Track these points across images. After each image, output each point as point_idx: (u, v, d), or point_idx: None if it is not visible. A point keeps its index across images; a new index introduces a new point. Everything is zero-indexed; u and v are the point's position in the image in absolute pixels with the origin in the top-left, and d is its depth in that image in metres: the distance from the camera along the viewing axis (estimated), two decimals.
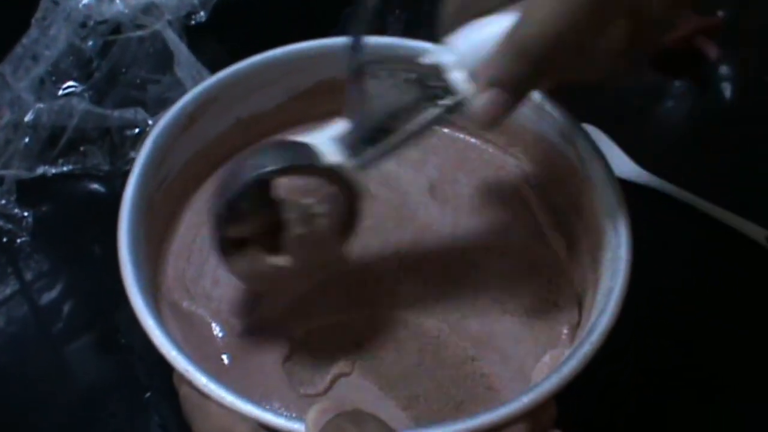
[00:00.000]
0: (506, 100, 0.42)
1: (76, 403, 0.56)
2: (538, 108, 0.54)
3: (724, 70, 0.80)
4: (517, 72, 0.41)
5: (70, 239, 0.66)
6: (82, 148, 0.70)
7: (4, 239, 0.65)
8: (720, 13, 0.84)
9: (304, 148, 0.43)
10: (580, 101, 0.68)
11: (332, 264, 0.50)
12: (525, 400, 0.40)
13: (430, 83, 0.43)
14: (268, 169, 0.42)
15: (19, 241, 0.65)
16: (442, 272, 0.52)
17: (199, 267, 0.52)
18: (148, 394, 0.55)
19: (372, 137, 0.44)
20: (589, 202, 0.51)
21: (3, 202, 0.67)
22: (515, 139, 0.57)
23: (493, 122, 0.42)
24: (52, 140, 0.69)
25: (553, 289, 0.52)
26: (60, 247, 0.66)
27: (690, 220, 0.67)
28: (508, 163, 0.58)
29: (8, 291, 0.63)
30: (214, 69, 0.69)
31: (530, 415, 0.40)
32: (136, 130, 0.70)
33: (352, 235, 0.47)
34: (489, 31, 0.42)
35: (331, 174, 0.43)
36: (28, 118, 0.69)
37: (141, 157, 0.50)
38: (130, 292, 0.44)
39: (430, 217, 0.55)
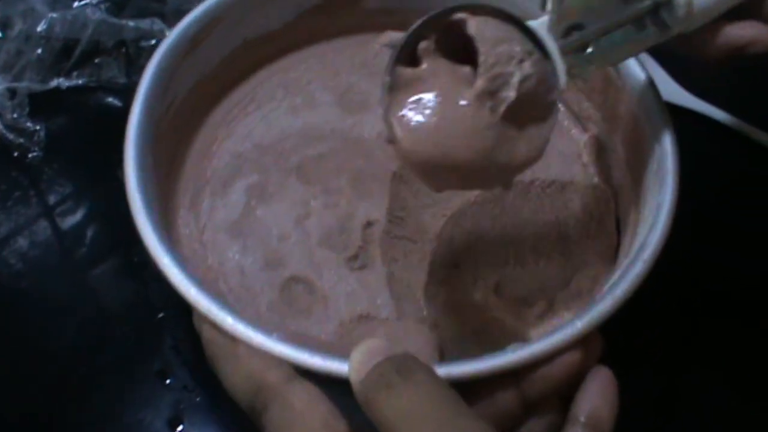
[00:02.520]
0: None
1: (92, 326, 0.55)
2: None
3: None
4: None
5: (88, 157, 0.64)
6: (97, 60, 0.67)
7: (15, 153, 0.63)
8: None
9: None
10: None
11: (499, 176, 0.40)
12: (579, 325, 0.37)
13: None
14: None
15: (30, 155, 0.63)
16: None
17: (212, 200, 0.49)
18: (161, 315, 0.54)
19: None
20: (628, 112, 0.48)
21: (15, 115, 0.64)
22: None
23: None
24: (66, 52, 0.66)
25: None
26: (81, 167, 0.64)
27: (737, 145, 0.63)
28: None
29: (31, 213, 0.61)
30: None
31: (583, 343, 0.37)
32: (153, 41, 0.67)
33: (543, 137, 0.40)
34: None
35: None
36: (40, 28, 0.65)
37: (143, 83, 0.46)
38: (142, 231, 0.41)
39: None
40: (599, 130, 0.51)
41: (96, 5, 0.68)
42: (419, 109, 0.37)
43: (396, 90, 0.38)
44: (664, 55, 0.66)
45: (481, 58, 0.37)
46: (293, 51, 0.56)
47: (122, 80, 0.67)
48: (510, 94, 0.37)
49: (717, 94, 0.65)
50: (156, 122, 0.47)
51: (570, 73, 0.39)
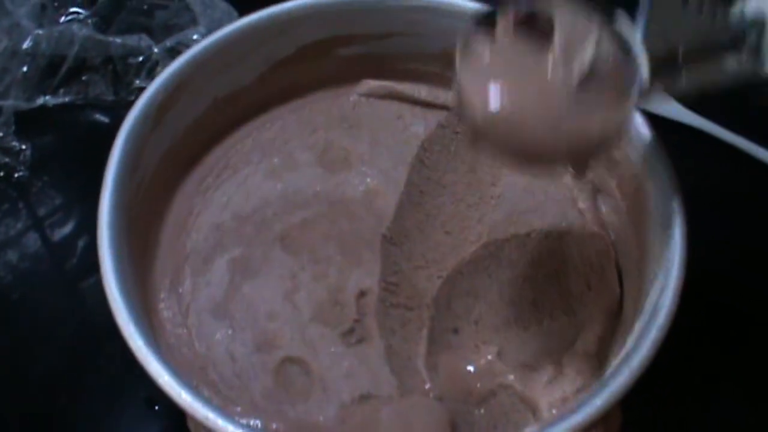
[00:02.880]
0: None
1: (82, 343, 0.54)
2: None
3: None
4: None
5: (77, 173, 0.63)
6: (84, 77, 0.66)
7: (1, 173, 0.62)
8: None
9: None
10: None
11: (571, 152, 0.39)
12: (598, 403, 0.36)
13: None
14: None
15: (16, 175, 0.62)
16: None
17: (193, 279, 0.47)
18: None
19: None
20: (624, 158, 0.46)
21: (0, 134, 0.63)
22: None
23: None
24: (52, 68, 0.66)
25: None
26: (70, 181, 0.63)
27: (736, 163, 0.62)
28: None
29: (20, 226, 0.61)
30: None
31: (603, 420, 0.36)
32: (140, 58, 0.65)
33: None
34: None
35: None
36: (26, 45, 0.65)
37: (111, 167, 0.44)
38: (127, 334, 0.39)
39: None
40: (594, 174, 0.49)
41: (82, 21, 0.67)
42: (494, 76, 0.37)
43: (469, 58, 0.38)
44: None
45: (557, 34, 0.36)
46: (267, 108, 0.53)
47: (110, 97, 0.66)
48: (583, 65, 0.36)
49: (714, 108, 0.64)
50: (127, 205, 0.44)
51: (655, 73, 0.38)
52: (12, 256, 0.59)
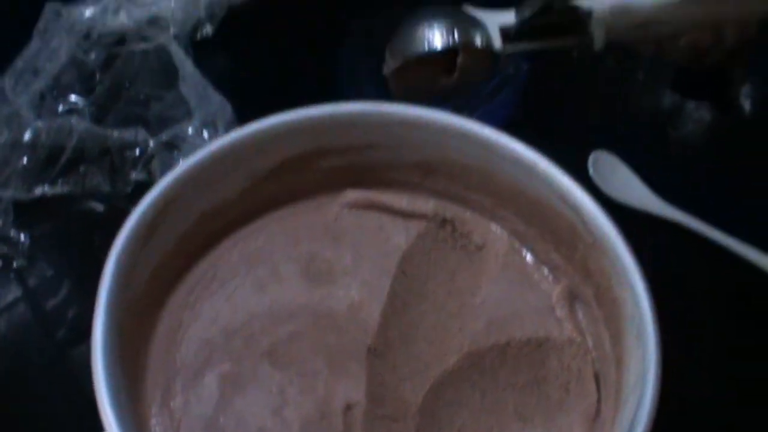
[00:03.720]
0: None
1: (78, 410, 0.54)
2: (530, 167, 0.50)
3: (746, 89, 0.77)
4: None
5: (72, 254, 0.66)
6: (81, 169, 0.68)
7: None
8: None
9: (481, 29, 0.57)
10: (595, 127, 0.66)
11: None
12: None
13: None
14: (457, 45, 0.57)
15: (15, 264, 0.64)
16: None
17: (184, 394, 0.47)
18: None
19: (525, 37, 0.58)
20: (599, 269, 0.48)
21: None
22: (505, 199, 0.53)
23: None
24: (51, 160, 0.67)
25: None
26: (62, 255, 0.65)
27: (714, 257, 0.64)
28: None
29: (10, 297, 0.62)
30: (219, 85, 0.68)
31: None
32: (137, 151, 0.67)
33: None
34: None
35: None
36: (26, 137, 0.67)
37: (104, 287, 0.45)
38: None
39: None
40: (571, 281, 0.51)
41: (80, 110, 0.70)
42: None
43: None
44: (635, 161, 0.67)
45: None
46: (252, 219, 0.54)
47: (106, 188, 0.67)
48: None
49: (696, 204, 0.66)
50: (119, 324, 0.45)
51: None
52: (1, 325, 0.60)
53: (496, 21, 0.59)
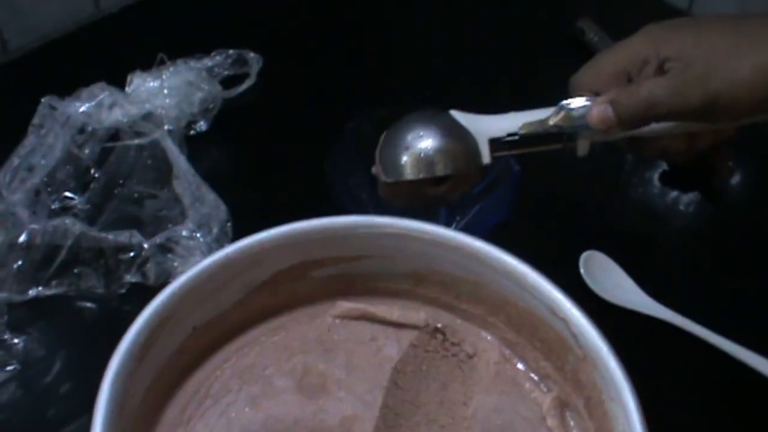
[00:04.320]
0: (612, 119, 0.55)
1: None
2: (519, 279, 0.51)
3: (736, 181, 0.78)
4: (626, 110, 0.54)
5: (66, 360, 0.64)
6: (76, 270, 0.68)
7: None
8: None
9: (471, 143, 0.57)
10: (587, 228, 0.67)
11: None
12: None
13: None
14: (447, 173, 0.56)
15: (9, 368, 0.63)
16: None
17: None
18: None
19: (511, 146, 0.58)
20: (590, 382, 0.49)
21: None
22: (496, 308, 0.54)
23: (602, 126, 0.55)
24: (46, 261, 0.67)
25: None
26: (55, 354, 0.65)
27: (705, 355, 0.64)
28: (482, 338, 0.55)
29: (1, 377, 0.62)
30: (214, 181, 0.69)
31: None
32: (131, 254, 0.67)
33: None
34: None
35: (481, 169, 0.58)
36: (22, 239, 0.67)
37: (99, 410, 0.44)
38: None
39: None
40: (561, 390, 0.51)
41: (74, 208, 0.71)
42: None
43: None
44: (626, 261, 0.67)
45: None
46: (245, 330, 0.55)
47: (100, 290, 0.67)
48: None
49: (682, 300, 0.66)
50: None
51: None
52: None
53: (485, 133, 0.58)
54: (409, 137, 0.56)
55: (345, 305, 0.55)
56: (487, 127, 0.58)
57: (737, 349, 0.62)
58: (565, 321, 0.49)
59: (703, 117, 0.54)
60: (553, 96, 0.58)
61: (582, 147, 0.58)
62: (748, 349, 0.62)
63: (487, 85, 0.86)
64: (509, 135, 0.58)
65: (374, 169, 0.59)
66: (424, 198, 0.57)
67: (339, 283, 0.56)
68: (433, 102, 0.62)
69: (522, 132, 0.57)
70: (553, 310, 0.50)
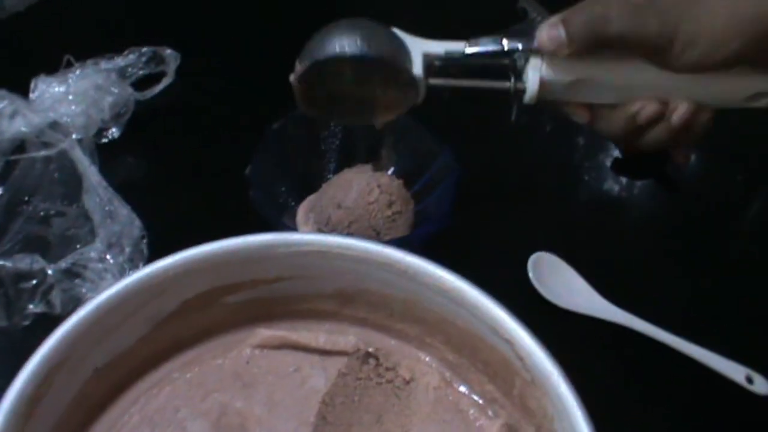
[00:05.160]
0: (563, 37, 0.53)
1: None
2: (456, 296, 0.45)
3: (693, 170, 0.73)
4: (577, 27, 0.53)
5: None
6: None
7: None
8: None
9: (403, 49, 0.53)
10: (536, 223, 0.62)
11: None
12: None
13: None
14: (370, 55, 0.51)
15: None
16: None
17: None
18: None
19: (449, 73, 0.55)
20: (540, 409, 0.44)
21: None
22: (433, 328, 0.49)
23: (551, 45, 0.54)
24: None
25: None
26: None
27: (662, 358, 0.59)
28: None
29: None
30: (128, 193, 0.62)
31: None
32: (33, 281, 0.61)
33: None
34: None
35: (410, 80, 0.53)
36: None
37: None
38: None
39: None
40: (510, 416, 0.46)
41: None
42: None
43: None
44: (585, 266, 0.63)
45: None
46: (154, 367, 0.49)
47: (2, 323, 0.61)
48: None
49: (638, 301, 0.62)
50: None
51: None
52: None
53: (422, 47, 0.54)
54: (335, 30, 0.53)
55: (264, 333, 0.49)
56: (426, 45, 0.55)
57: (697, 351, 0.58)
58: (509, 342, 0.44)
59: (659, 51, 0.53)
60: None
61: (531, 87, 0.56)
62: (708, 349, 0.58)
63: None
64: (447, 53, 0.55)
65: (292, 77, 0.54)
66: (342, 106, 0.52)
67: (257, 308, 0.50)
68: None
69: (467, 51, 0.55)
70: (496, 330, 0.44)
